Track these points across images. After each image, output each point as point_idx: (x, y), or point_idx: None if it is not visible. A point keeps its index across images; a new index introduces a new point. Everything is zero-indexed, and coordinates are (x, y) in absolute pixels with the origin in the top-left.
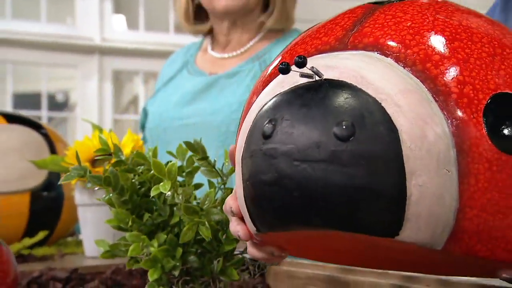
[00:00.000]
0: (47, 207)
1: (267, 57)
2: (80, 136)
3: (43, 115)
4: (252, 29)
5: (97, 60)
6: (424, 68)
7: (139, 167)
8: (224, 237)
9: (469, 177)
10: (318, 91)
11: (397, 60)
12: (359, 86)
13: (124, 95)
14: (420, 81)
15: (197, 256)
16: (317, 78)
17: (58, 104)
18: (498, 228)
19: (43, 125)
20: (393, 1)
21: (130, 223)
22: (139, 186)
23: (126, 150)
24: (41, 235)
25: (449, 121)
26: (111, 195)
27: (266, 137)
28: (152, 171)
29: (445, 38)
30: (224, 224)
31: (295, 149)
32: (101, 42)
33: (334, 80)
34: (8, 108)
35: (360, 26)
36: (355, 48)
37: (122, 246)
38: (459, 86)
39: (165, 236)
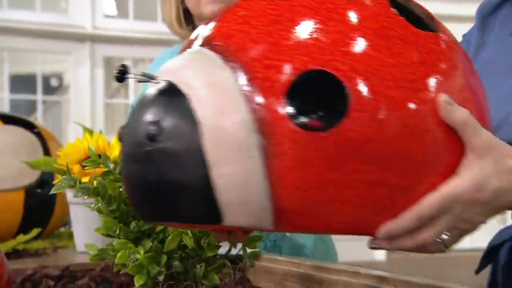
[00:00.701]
0: (40, 204)
1: None
2: (73, 118)
3: (38, 98)
4: None
5: (89, 47)
6: (236, 57)
7: None
8: (206, 243)
9: (274, 159)
10: (149, 94)
11: (219, 52)
12: (176, 85)
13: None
14: (232, 71)
15: (180, 261)
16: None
17: (52, 87)
18: (319, 203)
19: (36, 124)
20: None
21: (117, 231)
22: (126, 195)
23: (115, 152)
24: (34, 232)
25: (251, 107)
26: (100, 204)
27: (121, 140)
28: None
29: (265, 23)
30: (206, 231)
31: (127, 151)
32: (93, 30)
33: (163, 81)
34: (5, 89)
35: (214, 22)
36: (200, 44)
37: (110, 250)
38: (263, 70)
39: (151, 243)
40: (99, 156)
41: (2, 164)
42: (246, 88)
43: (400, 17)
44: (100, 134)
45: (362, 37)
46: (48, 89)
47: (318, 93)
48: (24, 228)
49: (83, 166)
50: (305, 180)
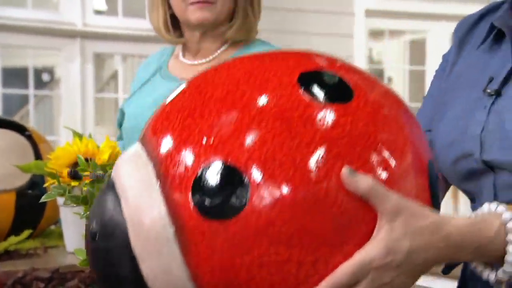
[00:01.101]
0: (31, 205)
1: None
2: (64, 111)
3: (30, 93)
4: (220, 39)
5: (79, 43)
6: (156, 154)
7: None
8: None
9: (190, 249)
10: (101, 189)
11: (146, 149)
12: (114, 183)
13: (105, 70)
14: (153, 167)
15: None
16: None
17: (44, 82)
18: (237, 283)
19: (27, 128)
20: None
21: None
22: None
23: (104, 156)
24: (25, 234)
25: (165, 202)
26: (88, 212)
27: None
28: None
29: (181, 119)
30: None
31: (86, 244)
32: (83, 27)
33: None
34: None
35: (154, 115)
36: (140, 138)
37: None
38: (174, 167)
39: None
40: (88, 160)
41: None
42: (162, 184)
43: (305, 95)
44: (90, 139)
45: (261, 124)
46: (40, 84)
47: (221, 184)
48: (15, 228)
49: (73, 168)
50: (220, 266)
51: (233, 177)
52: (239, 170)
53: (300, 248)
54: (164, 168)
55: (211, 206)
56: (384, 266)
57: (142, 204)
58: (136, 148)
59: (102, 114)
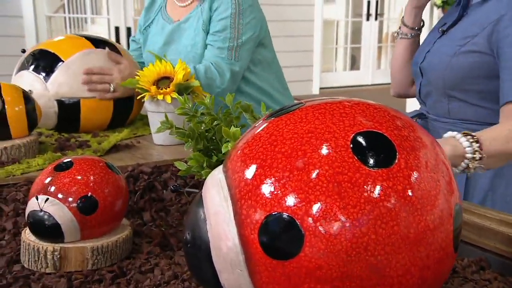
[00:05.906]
0: (124, 105)
1: (204, 4)
2: None
3: None
4: None
5: None
6: (233, 192)
7: (205, 117)
8: None
9: (255, 274)
10: (195, 199)
11: (228, 183)
12: (202, 202)
13: None
14: (231, 203)
15: None
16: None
17: None
18: None
19: (111, 42)
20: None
21: (205, 164)
22: (206, 133)
23: (179, 76)
24: (125, 132)
25: (239, 236)
26: (190, 143)
27: None
28: (214, 118)
29: (252, 166)
30: None
31: None
32: None
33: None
34: None
35: (235, 147)
36: (223, 166)
37: (194, 168)
38: (246, 209)
39: None
40: (167, 78)
41: None
42: (237, 220)
43: (355, 160)
44: (168, 62)
45: (317, 186)
46: None
47: (281, 233)
48: (113, 122)
49: (157, 84)
50: None
51: (291, 228)
52: (297, 222)
53: None
54: (239, 207)
55: (272, 249)
56: None
57: (221, 233)
58: (220, 176)
59: None
